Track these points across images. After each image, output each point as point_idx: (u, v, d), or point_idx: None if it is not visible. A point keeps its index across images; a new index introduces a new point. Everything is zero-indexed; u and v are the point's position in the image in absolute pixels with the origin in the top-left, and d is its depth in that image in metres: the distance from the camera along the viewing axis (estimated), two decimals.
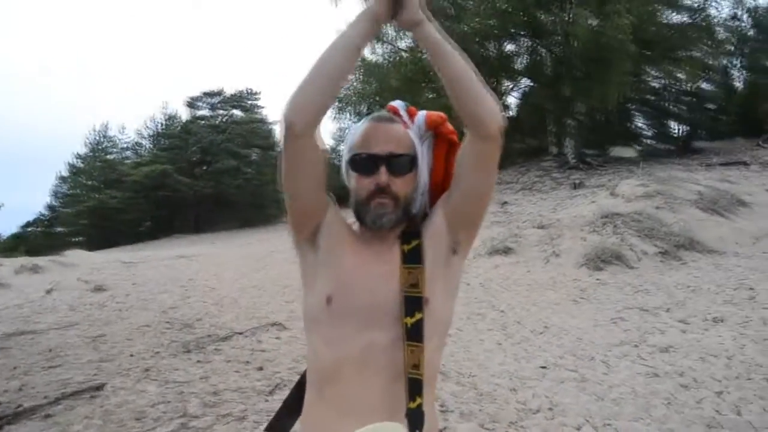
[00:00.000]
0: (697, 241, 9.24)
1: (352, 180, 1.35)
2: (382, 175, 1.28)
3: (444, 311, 1.33)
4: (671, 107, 22.99)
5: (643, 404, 4.07)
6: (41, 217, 40.16)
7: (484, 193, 1.36)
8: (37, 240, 37.66)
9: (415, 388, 1.19)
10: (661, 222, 9.90)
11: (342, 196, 1.42)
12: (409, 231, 1.34)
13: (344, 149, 1.39)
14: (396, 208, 1.30)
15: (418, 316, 1.21)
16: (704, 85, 23.06)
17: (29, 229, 39.72)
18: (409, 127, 1.39)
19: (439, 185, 1.42)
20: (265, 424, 1.43)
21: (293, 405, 1.39)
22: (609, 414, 3.94)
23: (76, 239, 38.07)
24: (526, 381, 4.70)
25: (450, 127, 1.43)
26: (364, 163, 1.31)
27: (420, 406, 1.18)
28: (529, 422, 3.85)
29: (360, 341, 1.23)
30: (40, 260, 17.16)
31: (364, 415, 1.17)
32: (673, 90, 22.70)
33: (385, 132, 1.33)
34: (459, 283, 1.44)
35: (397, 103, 1.45)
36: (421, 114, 1.43)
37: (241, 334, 7.07)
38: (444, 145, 1.42)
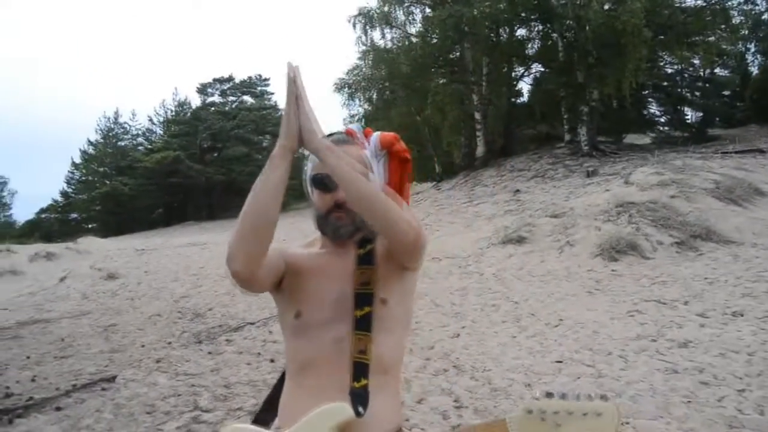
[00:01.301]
0: (713, 231, 9.08)
1: (314, 196, 1.50)
2: (340, 192, 1.41)
3: (400, 309, 1.48)
4: (686, 93, 22.65)
5: (662, 402, 3.97)
6: (55, 204, 40.44)
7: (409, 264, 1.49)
8: (51, 226, 37.97)
9: (360, 370, 1.36)
10: (676, 211, 9.75)
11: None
12: (365, 238, 1.49)
13: (306, 168, 1.51)
14: (353, 221, 1.45)
15: (366, 309, 1.40)
16: (719, 71, 22.73)
17: (44, 216, 40.06)
18: (365, 148, 1.53)
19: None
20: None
21: (276, 398, 1.52)
22: (627, 412, 3.85)
23: (90, 226, 38.37)
24: (542, 376, 4.62)
25: (402, 145, 1.57)
26: (324, 181, 1.44)
27: (365, 387, 1.35)
28: None
29: (328, 337, 1.40)
30: (54, 247, 17.30)
31: (334, 399, 1.32)
32: (688, 76, 22.37)
33: (343, 153, 1.40)
34: (416, 284, 1.59)
35: (354, 127, 1.59)
36: (375, 135, 1.56)
37: (252, 324, 7.04)
38: (396, 162, 1.57)
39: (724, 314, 5.85)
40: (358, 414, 1.31)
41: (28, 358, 6.04)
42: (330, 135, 1.49)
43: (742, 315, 5.74)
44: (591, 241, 9.34)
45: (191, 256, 14.63)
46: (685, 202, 10.13)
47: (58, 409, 4.19)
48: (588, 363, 4.87)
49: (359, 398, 1.34)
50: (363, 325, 1.39)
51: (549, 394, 1.18)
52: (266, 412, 1.55)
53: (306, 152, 1.41)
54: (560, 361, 4.97)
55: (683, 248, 8.62)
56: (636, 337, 5.46)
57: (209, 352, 5.89)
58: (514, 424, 1.20)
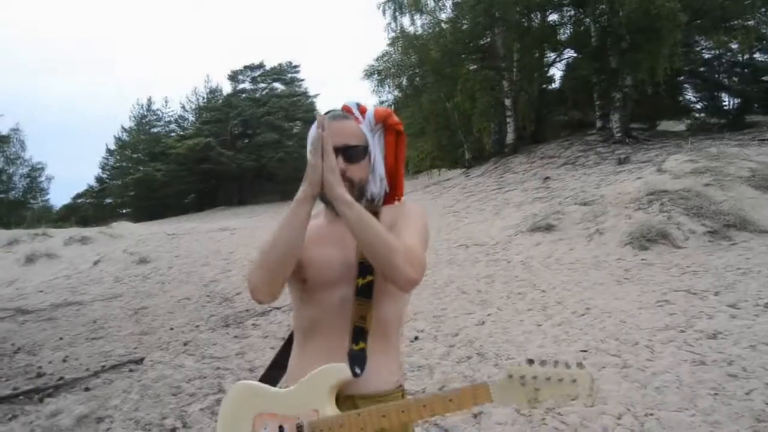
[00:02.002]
0: (748, 220, 8.84)
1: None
2: (340, 163, 1.49)
3: None
4: (723, 79, 22.00)
5: (688, 394, 3.91)
6: (90, 189, 41.31)
7: None
8: (87, 211, 38.80)
9: (359, 334, 1.49)
10: (710, 200, 9.51)
11: None
12: (370, 210, 1.53)
13: (308, 143, 1.58)
14: (353, 190, 1.53)
15: (369, 278, 1.51)
16: (758, 56, 22.00)
17: (80, 201, 40.98)
18: (361, 123, 1.64)
19: (391, 169, 1.69)
20: None
21: (282, 359, 1.66)
22: (652, 403, 3.81)
23: (124, 211, 39.15)
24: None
25: (395, 119, 1.68)
26: None
27: (363, 350, 1.48)
28: (568, 409, 3.74)
29: (334, 299, 1.52)
30: (88, 231, 17.67)
31: (336, 360, 1.45)
32: (726, 61, 21.71)
33: (341, 128, 1.56)
34: None
35: (350, 103, 1.69)
36: (371, 110, 1.67)
37: (279, 309, 7.11)
38: (392, 134, 1.68)
39: (756, 305, 5.71)
40: (354, 374, 1.44)
41: (61, 339, 6.21)
42: (327, 112, 1.64)
43: None
44: (621, 229, 9.20)
45: (221, 240, 14.80)
46: (719, 190, 9.88)
47: (87, 389, 4.30)
48: (614, 353, 4.81)
49: (357, 360, 1.47)
50: (365, 292, 1.50)
51: (529, 361, 1.30)
52: (274, 371, 1.66)
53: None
54: (585, 351, 4.92)
55: (716, 237, 8.42)
56: (664, 327, 5.37)
57: (235, 336, 5.98)
58: (495, 388, 1.31)
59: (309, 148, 1.50)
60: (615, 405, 3.81)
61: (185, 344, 5.69)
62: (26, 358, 5.45)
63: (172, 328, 6.47)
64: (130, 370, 4.80)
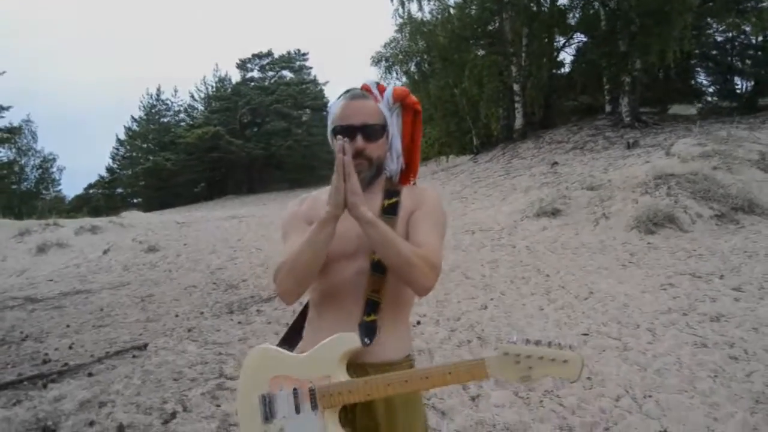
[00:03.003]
0: (756, 203, 8.77)
1: (335, 146, 1.59)
2: (359, 141, 1.59)
3: None
4: (736, 62, 21.69)
5: (688, 376, 3.90)
6: (102, 179, 41.55)
7: None
8: (99, 201, 39.04)
9: (371, 307, 1.56)
10: (718, 183, 9.43)
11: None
12: (391, 189, 1.69)
13: (328, 121, 1.69)
14: (371, 167, 1.63)
15: None
16: None
17: (91, 191, 41.23)
18: (380, 101, 1.69)
19: (408, 147, 1.79)
20: None
21: (298, 326, 1.77)
22: (651, 385, 3.80)
23: (135, 200, 39.37)
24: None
25: (413, 98, 1.74)
26: (343, 132, 1.60)
27: (374, 321, 1.56)
28: (566, 392, 3.74)
29: (349, 270, 1.60)
30: (98, 221, 17.77)
31: (349, 329, 1.53)
32: (738, 44, 21.39)
33: (360, 106, 1.63)
34: None
35: (369, 82, 1.74)
36: (389, 89, 1.72)
37: None
38: (410, 113, 1.76)
39: (761, 288, 5.68)
40: (364, 344, 1.52)
41: (68, 326, 6.27)
42: (347, 91, 1.71)
43: None
44: (627, 213, 9.15)
45: (229, 228, 14.85)
46: (727, 173, 9.80)
47: (90, 375, 4.35)
48: (614, 336, 4.81)
49: (367, 331, 1.55)
50: (379, 268, 1.56)
51: (526, 341, 1.36)
52: (291, 337, 1.76)
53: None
54: (586, 334, 4.91)
55: (723, 221, 8.36)
56: (667, 310, 5.35)
57: (239, 322, 6.02)
58: (491, 364, 1.39)
59: (335, 172, 1.52)
60: (614, 387, 3.80)
61: (189, 330, 5.73)
62: (33, 345, 5.51)
63: (177, 315, 6.51)
64: (134, 356, 4.84)
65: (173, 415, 3.60)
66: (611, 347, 4.54)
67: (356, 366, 1.54)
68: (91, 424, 3.47)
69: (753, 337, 4.51)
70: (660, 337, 4.70)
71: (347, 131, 1.60)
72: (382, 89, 1.73)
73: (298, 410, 1.52)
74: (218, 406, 3.74)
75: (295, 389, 1.52)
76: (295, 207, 1.78)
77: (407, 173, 1.81)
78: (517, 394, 3.76)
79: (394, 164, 1.74)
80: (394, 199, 1.67)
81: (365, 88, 1.73)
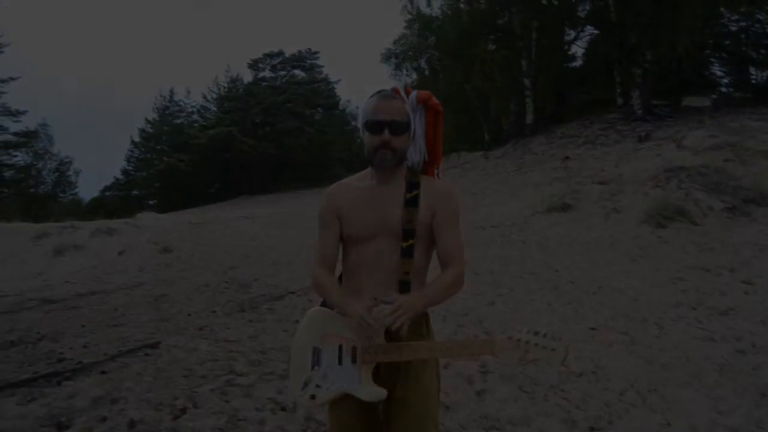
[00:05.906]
0: None
1: (365, 137, 1.98)
2: (386, 135, 1.92)
3: (430, 239, 2.01)
4: (750, 52, 21.42)
5: (693, 370, 3.90)
6: (117, 182, 41.93)
7: None
8: (115, 203, 39.35)
9: (404, 287, 1.93)
10: (729, 175, 9.35)
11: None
12: (413, 181, 1.99)
13: (360, 116, 2.04)
14: (394, 157, 1.94)
15: (411, 241, 1.93)
16: None
17: (107, 194, 41.61)
18: (406, 102, 2.00)
19: (431, 143, 2.08)
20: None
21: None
22: (656, 379, 3.81)
23: (151, 202, 39.67)
24: (573, 343, 4.57)
25: (435, 101, 2.04)
26: (374, 126, 1.94)
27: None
28: (570, 386, 3.77)
29: (370, 249, 1.96)
30: (114, 223, 17.98)
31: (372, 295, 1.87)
32: (753, 33, 21.12)
33: (389, 105, 1.95)
34: None
35: (398, 85, 2.10)
36: (414, 92, 2.03)
37: (294, 293, 7.21)
38: (432, 114, 2.06)
39: None
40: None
41: (83, 326, 6.37)
42: (379, 91, 2.02)
43: None
44: (638, 207, 9.11)
45: (242, 228, 14.98)
46: (739, 165, 9.72)
47: (103, 372, 4.43)
48: (622, 330, 4.81)
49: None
50: (408, 253, 1.93)
51: (527, 330, 1.74)
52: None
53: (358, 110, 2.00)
54: (594, 328, 4.92)
55: (735, 214, 8.29)
56: (675, 304, 5.34)
57: (250, 320, 6.09)
58: (498, 344, 1.76)
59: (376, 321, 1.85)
60: (618, 381, 3.82)
61: (200, 329, 5.81)
62: (49, 345, 5.60)
63: (189, 314, 6.59)
64: (146, 354, 4.92)
65: (183, 410, 3.66)
66: (618, 341, 4.55)
67: (391, 332, 1.83)
68: (104, 419, 3.54)
69: (761, 330, 4.50)
70: (667, 331, 4.70)
71: (377, 125, 1.92)
72: (408, 92, 2.04)
73: (340, 362, 1.88)
74: (227, 402, 3.81)
75: (340, 345, 1.89)
76: (325, 200, 2.08)
77: (431, 164, 2.10)
78: (521, 388, 3.79)
79: (416, 155, 2.05)
80: (414, 192, 1.97)
81: (394, 90, 2.04)
